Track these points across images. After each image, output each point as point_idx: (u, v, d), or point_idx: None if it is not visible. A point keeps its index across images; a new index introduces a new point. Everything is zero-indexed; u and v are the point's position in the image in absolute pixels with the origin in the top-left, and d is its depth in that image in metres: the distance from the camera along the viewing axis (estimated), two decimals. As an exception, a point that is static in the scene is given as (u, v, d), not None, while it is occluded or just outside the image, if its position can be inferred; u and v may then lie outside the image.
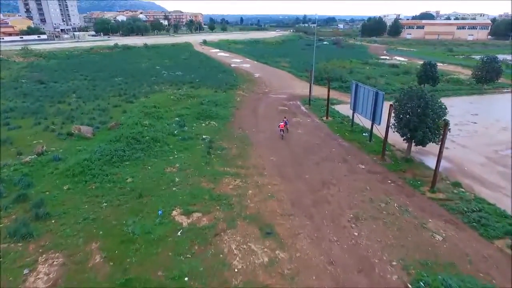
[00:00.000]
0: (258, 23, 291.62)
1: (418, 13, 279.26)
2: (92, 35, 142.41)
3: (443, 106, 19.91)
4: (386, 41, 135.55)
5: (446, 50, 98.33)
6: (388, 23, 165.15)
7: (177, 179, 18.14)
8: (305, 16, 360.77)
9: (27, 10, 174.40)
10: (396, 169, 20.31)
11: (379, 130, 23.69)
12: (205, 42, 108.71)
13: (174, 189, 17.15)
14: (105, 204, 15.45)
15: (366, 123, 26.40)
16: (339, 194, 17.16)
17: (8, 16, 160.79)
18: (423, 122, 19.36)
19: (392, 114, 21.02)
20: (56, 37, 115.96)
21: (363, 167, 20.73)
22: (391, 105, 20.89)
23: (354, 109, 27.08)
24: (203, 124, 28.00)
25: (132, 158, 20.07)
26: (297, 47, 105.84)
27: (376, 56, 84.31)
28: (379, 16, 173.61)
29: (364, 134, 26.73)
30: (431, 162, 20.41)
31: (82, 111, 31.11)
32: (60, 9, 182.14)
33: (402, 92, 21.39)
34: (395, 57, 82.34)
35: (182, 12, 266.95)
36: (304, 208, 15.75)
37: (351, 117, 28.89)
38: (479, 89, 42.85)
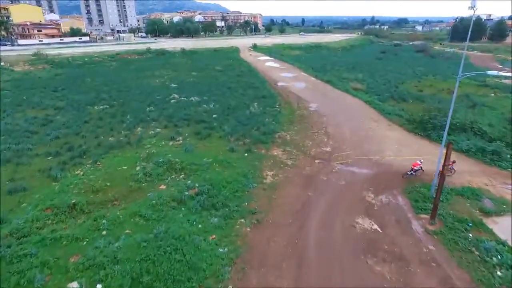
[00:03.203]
0: (321, 25, 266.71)
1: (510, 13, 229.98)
2: (142, 37, 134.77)
3: None
4: (488, 47, 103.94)
5: None
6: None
7: None
8: (373, 18, 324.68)
9: (88, 12, 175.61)
10: None
11: None
12: (255, 47, 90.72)
13: None
14: None
15: None
16: None
17: (67, 17, 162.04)
18: None
19: None
20: (100, 39, 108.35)
21: None
22: None
23: None
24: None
25: None
26: (370, 55, 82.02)
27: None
28: (477, 16, 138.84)
29: None
30: None
31: None
32: (118, 10, 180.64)
33: None
34: (524, 75, 55.54)
35: (241, 13, 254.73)
36: None
37: None
38: None
